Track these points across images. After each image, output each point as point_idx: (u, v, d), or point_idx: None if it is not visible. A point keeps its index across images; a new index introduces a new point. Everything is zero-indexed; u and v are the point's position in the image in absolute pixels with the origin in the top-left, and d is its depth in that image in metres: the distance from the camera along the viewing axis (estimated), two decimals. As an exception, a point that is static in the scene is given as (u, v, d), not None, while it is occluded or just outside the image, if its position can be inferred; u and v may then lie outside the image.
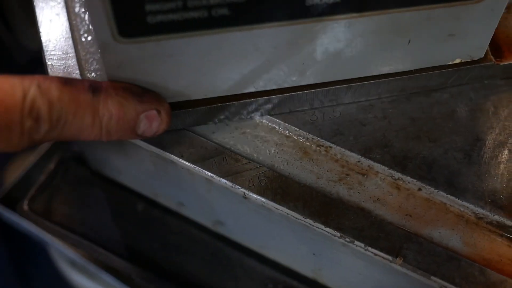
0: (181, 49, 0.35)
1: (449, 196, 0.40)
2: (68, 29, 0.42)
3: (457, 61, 0.42)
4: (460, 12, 0.37)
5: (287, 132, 0.43)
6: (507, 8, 0.45)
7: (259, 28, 0.35)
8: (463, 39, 0.40)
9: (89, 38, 0.41)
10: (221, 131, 0.42)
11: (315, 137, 0.42)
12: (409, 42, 0.39)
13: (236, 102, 0.41)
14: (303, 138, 0.42)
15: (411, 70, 0.42)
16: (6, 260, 0.71)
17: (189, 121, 0.41)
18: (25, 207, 0.53)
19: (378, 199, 0.41)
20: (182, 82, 0.38)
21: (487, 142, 0.42)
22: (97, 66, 0.40)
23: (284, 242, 0.48)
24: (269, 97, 0.41)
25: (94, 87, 0.34)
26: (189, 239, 0.53)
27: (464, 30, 0.39)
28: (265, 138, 0.42)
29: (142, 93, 0.36)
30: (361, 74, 0.41)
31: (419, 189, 0.41)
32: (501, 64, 0.44)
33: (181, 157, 0.41)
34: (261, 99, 0.41)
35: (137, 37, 0.33)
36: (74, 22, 0.41)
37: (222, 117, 0.42)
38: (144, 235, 0.53)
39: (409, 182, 0.41)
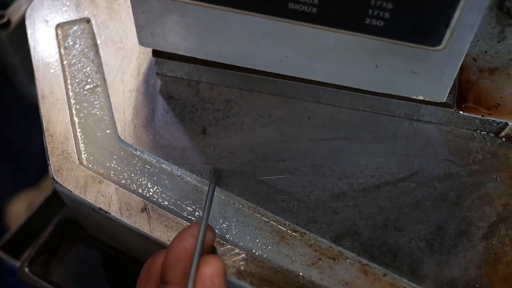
0: (189, 12, 0.45)
1: (411, 283, 0.44)
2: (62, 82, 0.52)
3: (421, 97, 0.47)
4: (419, 54, 0.42)
5: (265, 218, 0.46)
6: (492, 70, 0.50)
7: (250, 14, 0.43)
8: (425, 80, 0.45)
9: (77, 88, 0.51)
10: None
11: (291, 223, 0.46)
12: (376, 67, 0.45)
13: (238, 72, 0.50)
14: (280, 224, 0.46)
15: (381, 93, 0.48)
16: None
17: (180, 72, 0.52)
18: (26, 269, 0.57)
19: (347, 283, 0.44)
20: (189, 39, 0.47)
21: (448, 232, 0.46)
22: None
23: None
24: (246, 73, 0.50)
25: None
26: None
27: (425, 71, 0.44)
28: (246, 223, 0.46)
29: None
30: (337, 82, 0.48)
31: (384, 275, 0.45)
32: (461, 113, 0.48)
33: (168, 241, 0.45)
34: (237, 72, 0.50)
35: None
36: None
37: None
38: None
39: (375, 268, 0.45)
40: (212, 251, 0.45)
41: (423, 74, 0.44)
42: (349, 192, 0.47)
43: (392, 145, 0.49)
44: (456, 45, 0.41)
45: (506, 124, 0.48)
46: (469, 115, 0.48)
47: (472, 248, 0.45)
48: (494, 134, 0.49)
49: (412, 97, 0.47)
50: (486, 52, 0.51)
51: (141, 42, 0.49)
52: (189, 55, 0.49)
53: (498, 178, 0.48)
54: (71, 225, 0.60)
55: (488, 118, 0.48)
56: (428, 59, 0.43)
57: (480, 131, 0.49)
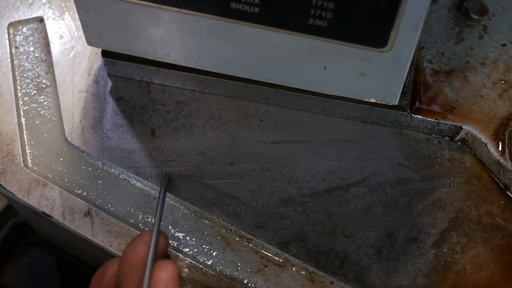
0: (134, 12, 0.43)
1: (357, 291, 0.43)
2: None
3: (372, 100, 0.46)
4: (366, 56, 0.41)
5: (211, 223, 0.45)
6: (448, 72, 0.49)
7: (193, 14, 0.42)
8: (375, 82, 0.44)
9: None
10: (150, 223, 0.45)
11: (237, 229, 0.45)
12: (325, 68, 0.44)
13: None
14: (226, 229, 0.45)
15: (331, 95, 0.47)
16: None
17: (130, 72, 0.51)
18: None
19: (293, 291, 0.43)
20: (135, 39, 0.46)
21: (397, 238, 0.44)
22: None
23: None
24: (197, 74, 0.49)
25: None
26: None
27: (374, 73, 0.43)
28: (192, 228, 0.45)
29: None
30: (287, 83, 0.47)
31: (331, 283, 0.43)
32: (415, 117, 0.47)
33: (110, 246, 0.44)
34: (188, 74, 0.49)
35: None
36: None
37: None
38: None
39: (322, 276, 0.43)
40: (167, 257, 0.44)
41: (372, 76, 0.43)
42: (298, 197, 0.46)
43: (345, 148, 0.48)
44: (402, 46, 0.40)
45: (461, 128, 0.47)
46: (423, 118, 0.47)
47: (422, 255, 0.44)
48: (449, 138, 0.48)
49: (364, 100, 0.46)
50: (443, 53, 0.50)
51: (89, 42, 0.48)
52: (136, 55, 0.48)
53: (451, 183, 0.46)
54: (27, 229, 0.59)
55: (443, 122, 0.47)
56: (375, 61, 0.42)
57: (435, 135, 0.48)
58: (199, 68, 0.48)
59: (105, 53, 0.50)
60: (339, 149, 0.48)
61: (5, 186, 0.46)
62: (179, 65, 0.48)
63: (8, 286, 0.57)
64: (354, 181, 0.47)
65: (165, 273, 0.37)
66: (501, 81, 0.48)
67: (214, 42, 0.44)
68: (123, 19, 0.44)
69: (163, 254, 0.41)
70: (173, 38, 0.45)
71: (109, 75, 0.52)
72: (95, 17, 0.45)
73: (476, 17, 0.50)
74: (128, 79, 0.51)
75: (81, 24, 0.46)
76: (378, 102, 0.46)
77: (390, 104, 0.46)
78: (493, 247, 0.44)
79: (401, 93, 0.46)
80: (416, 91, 0.48)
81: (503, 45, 0.50)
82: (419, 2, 0.36)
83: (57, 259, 0.58)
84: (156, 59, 0.48)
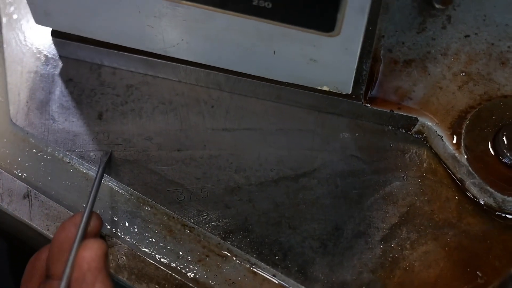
0: None
1: (299, 285, 0.41)
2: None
3: (325, 88, 0.44)
4: (314, 40, 0.39)
5: (153, 210, 0.44)
6: (407, 62, 0.47)
7: None
8: (326, 68, 0.42)
9: None
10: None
11: (180, 217, 0.43)
12: (274, 53, 0.42)
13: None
14: (169, 217, 0.43)
15: (284, 82, 0.45)
16: None
17: (81, 54, 0.49)
18: None
19: (233, 282, 0.41)
20: (82, 18, 0.44)
21: (345, 232, 0.43)
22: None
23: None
24: (148, 57, 0.47)
25: None
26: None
27: (324, 59, 0.41)
28: (133, 214, 0.43)
29: None
30: (237, 69, 0.45)
31: (274, 275, 0.42)
32: (369, 107, 0.45)
33: (47, 230, 0.43)
34: (138, 56, 0.47)
35: None
36: None
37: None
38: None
39: (264, 268, 0.42)
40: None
41: (323, 63, 0.42)
42: (244, 186, 0.45)
43: (297, 138, 0.46)
44: (350, 30, 0.38)
45: (417, 119, 0.45)
46: (378, 109, 0.45)
47: (369, 250, 0.42)
48: (405, 130, 0.46)
49: (316, 88, 0.45)
50: (403, 43, 0.48)
51: (37, 20, 0.46)
52: (85, 35, 0.46)
53: (405, 177, 0.45)
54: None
55: (398, 113, 0.45)
56: (324, 46, 0.40)
57: (391, 126, 0.46)
58: (147, 50, 0.46)
59: (55, 33, 0.48)
60: (291, 138, 0.46)
61: None
62: (130, 48, 0.47)
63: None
64: (304, 171, 0.45)
65: (89, 251, 0.36)
66: (462, 72, 0.46)
67: (161, 23, 0.42)
68: None
69: (95, 236, 0.39)
70: (118, 18, 0.43)
71: (60, 56, 0.50)
72: None
73: (440, 6, 0.48)
74: (79, 61, 0.50)
75: (27, 2, 0.44)
76: (331, 90, 0.44)
77: (344, 93, 0.44)
78: (443, 244, 0.42)
79: (357, 82, 0.45)
80: (372, 81, 0.46)
81: (467, 36, 0.48)
82: None
83: (7, 243, 0.57)
84: (103, 40, 0.46)
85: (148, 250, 0.42)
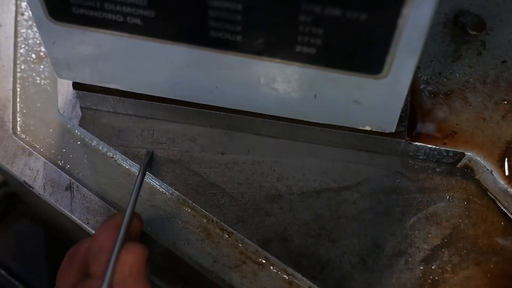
0: (105, 42, 0.39)
1: (335, 300, 0.40)
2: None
3: (368, 128, 0.43)
4: (360, 83, 0.37)
5: (193, 212, 0.44)
6: (447, 94, 0.45)
7: (169, 44, 0.38)
8: (370, 109, 0.40)
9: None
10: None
11: (219, 221, 0.43)
12: (315, 97, 0.40)
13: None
14: (208, 220, 0.43)
15: (324, 124, 0.43)
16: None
17: (106, 106, 0.47)
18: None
19: (268, 291, 0.41)
20: (109, 70, 0.43)
21: (385, 250, 0.42)
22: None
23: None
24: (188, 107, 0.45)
25: None
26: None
27: (369, 101, 0.39)
28: (173, 214, 0.43)
29: None
30: (274, 113, 0.43)
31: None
32: (413, 144, 0.44)
33: (87, 224, 0.43)
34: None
35: (65, 22, 0.38)
36: None
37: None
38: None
39: (300, 279, 0.41)
40: (140, 240, 0.42)
41: (367, 104, 0.40)
42: (286, 194, 0.44)
43: (342, 150, 0.45)
44: (399, 72, 0.36)
45: (463, 154, 0.44)
46: (422, 145, 0.44)
47: (409, 270, 0.41)
48: (452, 165, 0.45)
49: (358, 128, 0.43)
50: (440, 73, 0.46)
51: (59, 74, 0.44)
52: (111, 87, 0.45)
53: (450, 198, 0.44)
54: (17, 200, 0.59)
55: (444, 148, 0.44)
56: (370, 88, 0.38)
57: (436, 162, 0.45)
58: (178, 99, 0.44)
59: (77, 86, 0.46)
60: (336, 150, 0.46)
61: (-10, 152, 0.46)
62: (157, 97, 0.45)
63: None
64: (347, 184, 0.44)
65: (131, 256, 0.36)
66: (504, 101, 0.45)
67: (193, 72, 0.41)
68: (95, 50, 0.40)
69: (135, 237, 0.39)
70: (149, 69, 0.41)
71: (81, 108, 0.48)
72: (63, 48, 0.41)
73: (474, 32, 0.47)
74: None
75: (49, 56, 0.43)
76: (374, 129, 0.43)
77: (387, 132, 0.43)
78: (486, 270, 0.41)
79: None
80: (413, 116, 0.44)
81: (504, 61, 0.46)
82: (418, 23, 0.32)
83: (46, 232, 0.57)
84: (132, 91, 0.45)
85: (184, 252, 0.42)
